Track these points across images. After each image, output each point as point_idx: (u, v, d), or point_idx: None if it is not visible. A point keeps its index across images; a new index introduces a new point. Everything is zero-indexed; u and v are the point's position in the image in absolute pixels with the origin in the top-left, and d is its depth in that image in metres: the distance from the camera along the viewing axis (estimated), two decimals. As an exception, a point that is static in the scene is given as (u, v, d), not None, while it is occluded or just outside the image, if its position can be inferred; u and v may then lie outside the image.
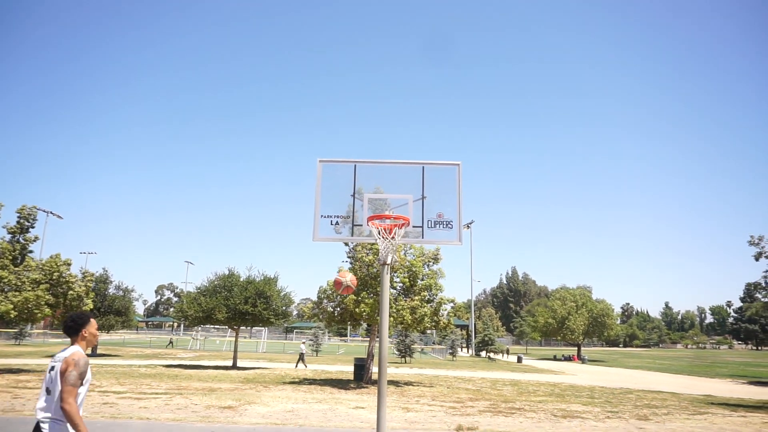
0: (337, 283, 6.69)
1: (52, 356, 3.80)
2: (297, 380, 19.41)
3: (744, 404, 16.54)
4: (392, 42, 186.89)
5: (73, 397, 3.65)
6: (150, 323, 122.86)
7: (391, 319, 17.98)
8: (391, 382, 19.82)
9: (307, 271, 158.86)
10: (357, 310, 17.70)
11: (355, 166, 6.98)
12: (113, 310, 35.71)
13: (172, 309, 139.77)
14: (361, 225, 6.97)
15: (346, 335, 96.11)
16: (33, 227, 21.98)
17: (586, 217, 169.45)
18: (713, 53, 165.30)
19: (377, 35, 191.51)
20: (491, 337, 51.79)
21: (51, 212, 56.94)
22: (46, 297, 18.94)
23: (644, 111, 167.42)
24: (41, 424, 3.72)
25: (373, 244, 18.35)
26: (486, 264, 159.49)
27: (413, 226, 6.90)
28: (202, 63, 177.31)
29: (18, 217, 21.52)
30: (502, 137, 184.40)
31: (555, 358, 53.13)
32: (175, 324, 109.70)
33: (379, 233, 6.68)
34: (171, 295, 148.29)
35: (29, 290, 18.83)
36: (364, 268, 18.46)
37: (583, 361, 47.90)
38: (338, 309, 19.30)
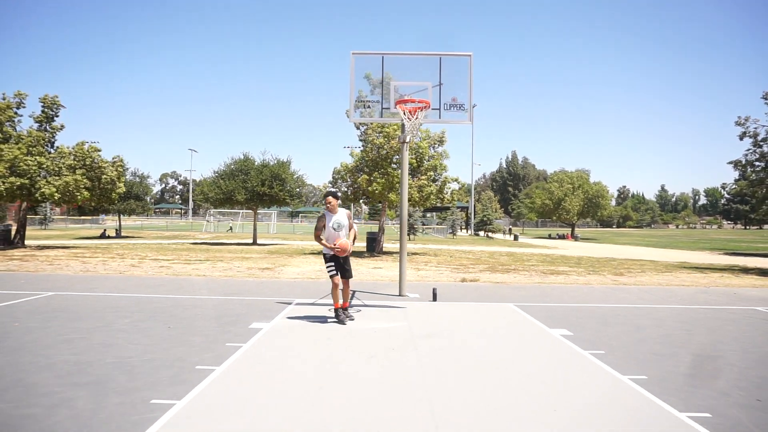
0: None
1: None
2: (316, 252, 21.66)
3: (712, 268, 18.82)
4: None
5: None
6: (157, 210, 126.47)
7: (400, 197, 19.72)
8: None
9: (314, 160, 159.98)
10: (369, 188, 19.39)
11: (383, 57, 8.15)
12: (132, 195, 37.67)
13: (177, 196, 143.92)
14: (389, 108, 8.29)
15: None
16: (57, 116, 23.07)
17: (585, 101, 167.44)
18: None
19: None
20: (489, 217, 54.52)
21: (61, 104, 57.08)
22: (84, 181, 20.57)
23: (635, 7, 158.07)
24: None
25: (383, 127, 19.64)
26: (486, 149, 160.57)
27: (432, 109, 8.23)
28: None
29: (42, 106, 22.54)
30: (505, 21, 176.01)
31: (549, 237, 56.35)
32: (183, 210, 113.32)
33: (404, 114, 8.02)
34: (175, 183, 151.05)
35: (67, 175, 20.40)
36: (375, 149, 19.87)
37: (576, 239, 51.01)
38: (351, 188, 21.00)
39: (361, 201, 22.16)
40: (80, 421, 3.47)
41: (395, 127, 19.19)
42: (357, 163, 20.67)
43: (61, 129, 23.01)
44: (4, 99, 21.60)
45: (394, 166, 20.12)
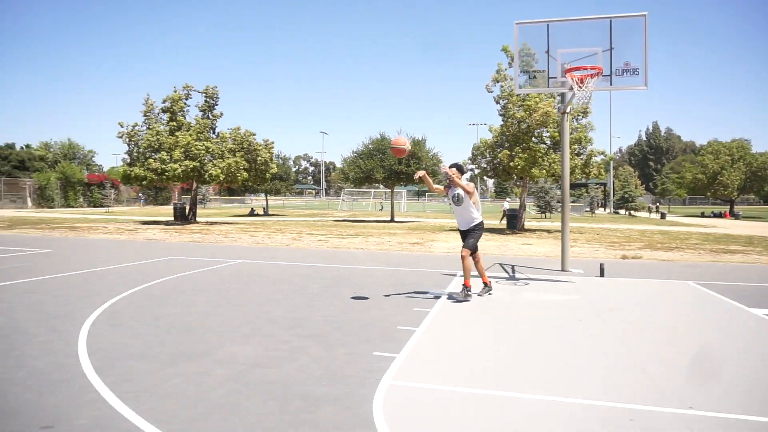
0: (399, 150, 6.43)
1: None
2: (456, 228, 21.82)
3: None
4: None
5: None
6: (291, 191, 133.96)
7: (544, 171, 19.13)
8: (542, 230, 21.52)
9: (445, 136, 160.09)
10: (511, 164, 19.03)
11: (547, 25, 7.93)
12: (277, 175, 40.61)
13: (310, 177, 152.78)
14: (556, 77, 8.06)
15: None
16: (217, 105, 25.48)
17: (737, 66, 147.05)
18: None
19: None
20: (631, 194, 50.78)
21: (198, 91, 62.99)
22: (243, 162, 22.65)
23: None
24: None
25: (524, 100, 19.06)
26: (622, 121, 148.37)
27: (603, 75, 7.87)
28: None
29: (204, 96, 25.04)
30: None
31: (703, 215, 51.10)
32: (314, 192, 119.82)
33: (574, 83, 7.75)
34: (307, 165, 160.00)
35: (229, 157, 22.59)
36: (515, 124, 19.40)
37: (736, 217, 45.74)
38: (491, 164, 20.77)
39: (492, 179, 21.80)
40: (322, 364, 3.93)
41: (537, 99, 18.56)
42: (497, 139, 20.36)
43: (220, 116, 25.42)
44: (175, 91, 24.33)
45: (535, 140, 19.52)
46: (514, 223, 21.09)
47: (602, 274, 8.75)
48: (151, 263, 9.71)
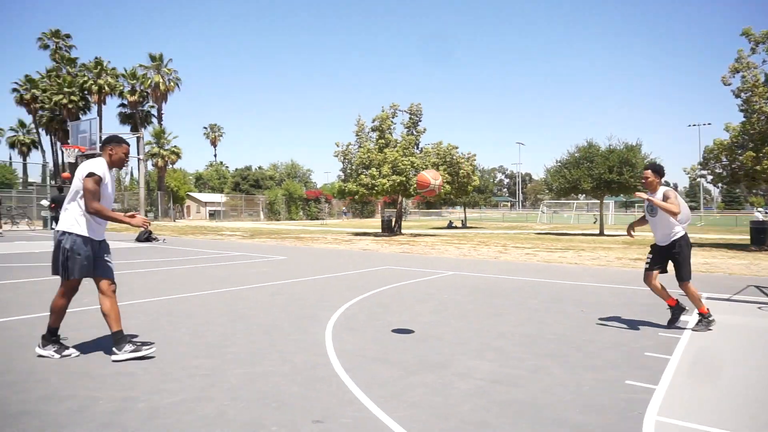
0: (422, 184, 5.32)
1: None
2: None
3: None
4: None
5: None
6: (486, 203, 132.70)
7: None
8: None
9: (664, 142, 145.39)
10: (758, 167, 16.08)
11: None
12: (477, 188, 40.63)
13: (505, 190, 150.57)
14: None
15: (698, 207, 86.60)
16: (420, 121, 26.48)
17: None
18: None
19: None
20: None
21: (403, 110, 66.37)
22: (446, 176, 23.11)
23: None
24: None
25: (777, 91, 16.01)
26: None
27: None
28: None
29: (409, 114, 26.23)
30: None
31: None
32: (509, 204, 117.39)
33: None
34: (502, 177, 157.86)
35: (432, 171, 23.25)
36: (763, 120, 16.39)
37: None
38: (729, 169, 17.85)
39: (741, 184, 18.60)
40: (570, 389, 3.60)
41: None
42: (736, 138, 17.41)
43: (423, 132, 26.37)
44: (383, 111, 25.96)
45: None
46: (762, 238, 17.73)
47: None
48: (370, 272, 10.32)
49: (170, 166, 59.04)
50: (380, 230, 26.21)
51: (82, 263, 4.03)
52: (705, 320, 5.54)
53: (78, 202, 4.04)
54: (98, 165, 4.08)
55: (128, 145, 4.36)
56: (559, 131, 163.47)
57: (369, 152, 24.17)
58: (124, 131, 56.71)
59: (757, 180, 17.40)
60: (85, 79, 50.78)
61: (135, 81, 52.15)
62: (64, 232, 4.03)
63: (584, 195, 27.84)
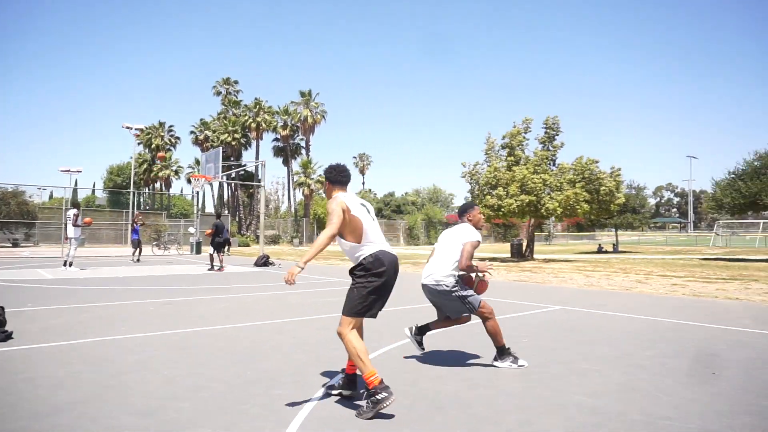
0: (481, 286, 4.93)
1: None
2: None
3: None
4: None
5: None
6: (652, 225, 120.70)
7: None
8: None
9: None
10: None
11: None
12: (629, 208, 36.32)
13: (674, 209, 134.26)
14: None
15: None
16: (558, 135, 24.10)
17: None
18: None
19: None
20: None
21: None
22: (583, 194, 20.51)
23: None
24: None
25: None
26: None
27: None
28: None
29: (544, 127, 24.04)
30: None
31: None
32: (679, 225, 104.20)
33: None
34: (671, 196, 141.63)
35: (568, 189, 20.81)
36: None
37: None
38: None
39: None
40: None
41: None
42: None
43: (561, 147, 23.94)
44: (514, 126, 24.12)
45: None
46: None
47: None
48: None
49: (321, 194, 62.71)
50: (509, 255, 24.14)
51: None
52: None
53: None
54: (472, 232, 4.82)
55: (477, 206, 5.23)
56: (743, 141, 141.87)
57: (496, 171, 22.49)
58: (277, 163, 61.52)
59: None
60: (246, 118, 55.99)
61: (287, 116, 56.29)
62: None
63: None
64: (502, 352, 4.71)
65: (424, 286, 4.77)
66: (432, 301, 4.86)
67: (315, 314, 7.68)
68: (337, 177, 3.77)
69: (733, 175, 22.18)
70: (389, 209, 68.69)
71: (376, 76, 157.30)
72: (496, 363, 4.70)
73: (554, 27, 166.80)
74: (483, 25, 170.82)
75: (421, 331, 4.91)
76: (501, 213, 21.73)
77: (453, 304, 4.69)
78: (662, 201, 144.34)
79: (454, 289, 4.63)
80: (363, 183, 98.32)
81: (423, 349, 4.86)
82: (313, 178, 52.82)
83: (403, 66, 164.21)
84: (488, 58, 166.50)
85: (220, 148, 28.51)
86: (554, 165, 23.31)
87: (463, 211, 5.03)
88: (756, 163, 21.29)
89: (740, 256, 25.41)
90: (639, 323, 6.95)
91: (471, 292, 4.69)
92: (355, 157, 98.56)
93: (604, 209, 21.90)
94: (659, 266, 18.08)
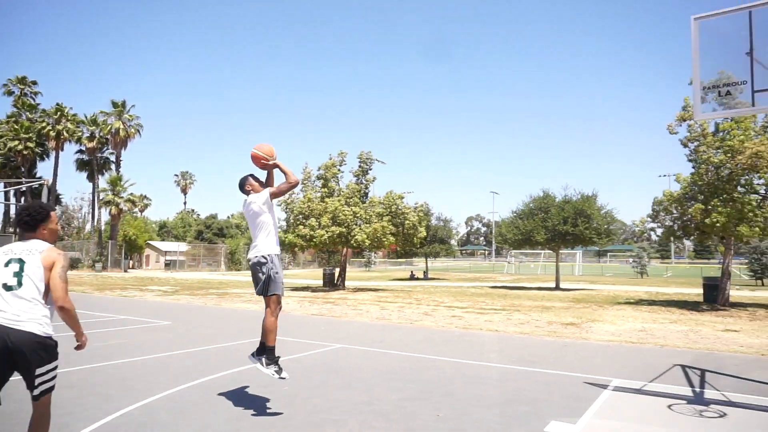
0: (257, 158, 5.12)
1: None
2: (632, 301, 17.91)
3: None
4: None
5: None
6: (463, 252, 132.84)
7: (756, 229, 14.73)
8: (756, 305, 16.55)
9: (631, 190, 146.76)
10: (707, 221, 14.98)
11: (750, 13, 5.22)
12: (437, 238, 39.43)
13: (482, 238, 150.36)
14: (765, 89, 5.26)
15: (669, 257, 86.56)
16: (370, 169, 25.31)
17: None
18: None
19: None
20: None
21: (377, 159, 65.77)
22: (389, 227, 21.74)
23: None
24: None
25: (722, 140, 15.19)
26: None
27: None
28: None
29: (359, 161, 25.07)
30: None
31: None
32: (486, 252, 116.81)
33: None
34: (479, 225, 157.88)
35: (376, 222, 21.89)
36: (712, 171, 15.44)
37: None
38: (679, 222, 16.79)
39: (691, 237, 17.55)
40: None
41: (742, 138, 14.54)
42: (686, 190, 16.41)
43: (373, 181, 25.15)
44: (330, 158, 24.75)
45: (742, 189, 15.28)
46: (714, 295, 16.49)
47: None
48: (245, 344, 8.61)
49: (136, 213, 57.21)
50: (322, 283, 24.50)
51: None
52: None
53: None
54: None
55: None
56: (537, 180, 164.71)
57: (310, 201, 22.77)
58: (81, 177, 54.90)
59: (706, 233, 16.35)
60: (45, 124, 49.22)
61: (95, 127, 50.74)
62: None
63: (540, 246, 26.67)
64: (271, 356, 4.76)
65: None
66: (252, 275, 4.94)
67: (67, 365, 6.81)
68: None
69: (514, 214, 25.48)
70: (211, 232, 65.38)
71: (201, 91, 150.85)
72: (259, 365, 4.77)
73: (368, 62, 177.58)
74: (297, 44, 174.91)
75: (260, 351, 4.86)
76: (313, 243, 21.99)
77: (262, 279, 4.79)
78: (472, 230, 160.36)
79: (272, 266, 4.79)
80: (185, 203, 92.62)
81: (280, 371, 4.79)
82: (122, 197, 48.06)
83: (235, 86, 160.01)
84: (309, 83, 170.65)
85: None
86: (366, 198, 24.39)
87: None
88: (531, 205, 24.77)
89: (522, 284, 29.12)
90: (405, 361, 7.42)
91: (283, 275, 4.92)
92: (176, 175, 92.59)
93: (408, 241, 23.46)
94: (452, 295, 19.82)
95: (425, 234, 23.86)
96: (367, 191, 25.02)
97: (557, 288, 24.81)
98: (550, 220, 23.54)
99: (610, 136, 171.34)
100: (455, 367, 7.03)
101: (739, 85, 5.20)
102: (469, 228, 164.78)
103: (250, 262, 4.97)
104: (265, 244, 4.90)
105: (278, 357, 4.88)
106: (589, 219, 23.32)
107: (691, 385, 6.22)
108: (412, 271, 41.30)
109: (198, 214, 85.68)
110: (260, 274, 4.81)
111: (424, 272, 39.76)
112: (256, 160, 5.10)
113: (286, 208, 24.04)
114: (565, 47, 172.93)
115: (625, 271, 46.65)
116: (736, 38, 5.23)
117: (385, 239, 21.70)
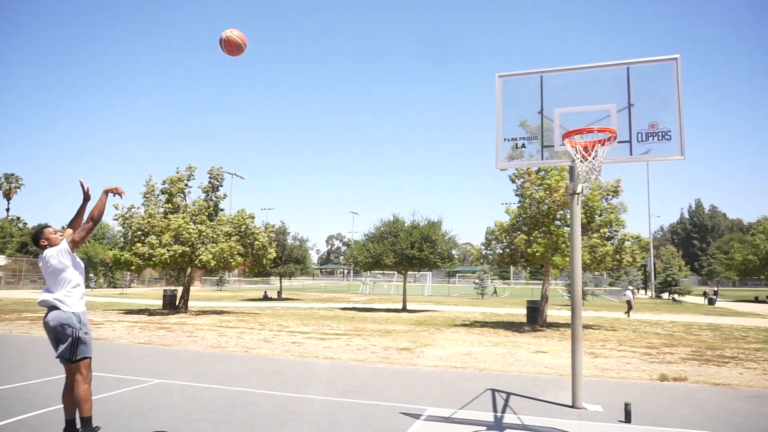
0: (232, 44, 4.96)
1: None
2: (468, 323, 19.19)
3: None
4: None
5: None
6: (323, 270, 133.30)
7: (568, 259, 16.66)
8: (568, 325, 18.66)
9: (472, 214, 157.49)
10: (529, 250, 16.67)
11: (541, 77, 5.93)
12: (292, 258, 38.93)
13: (342, 257, 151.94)
14: (553, 146, 5.95)
15: (509, 278, 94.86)
16: (221, 186, 24.32)
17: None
18: None
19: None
20: (675, 277, 46.70)
21: (235, 174, 63.57)
22: (237, 247, 20.95)
23: None
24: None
25: (543, 178, 17.03)
26: (662, 198, 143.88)
27: (618, 142, 5.72)
28: None
29: (209, 177, 23.94)
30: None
31: (757, 300, 46.42)
32: (345, 271, 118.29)
33: (576, 153, 5.63)
34: (340, 245, 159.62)
35: (223, 242, 20.97)
36: (534, 205, 17.25)
37: (795, 303, 41.05)
38: (507, 250, 18.44)
39: (518, 264, 19.37)
40: None
41: (558, 177, 16.46)
42: (514, 221, 18.12)
43: (223, 198, 24.15)
44: (177, 172, 23.29)
45: (558, 222, 17.23)
46: (534, 317, 18.34)
47: (628, 419, 6.16)
48: (51, 382, 7.57)
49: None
50: (161, 306, 22.78)
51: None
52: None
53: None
54: None
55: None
56: (389, 202, 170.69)
57: (151, 217, 21.14)
58: None
59: (530, 261, 18.13)
60: None
61: None
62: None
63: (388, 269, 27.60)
64: (90, 429, 4.44)
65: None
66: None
67: None
68: None
69: (366, 237, 26.13)
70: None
71: (30, 84, 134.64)
72: None
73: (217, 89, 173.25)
74: (150, 64, 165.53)
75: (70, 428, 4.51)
76: (152, 263, 20.39)
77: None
78: (333, 249, 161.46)
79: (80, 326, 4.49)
80: (8, 210, 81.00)
81: None
82: None
83: (62, 86, 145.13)
84: (153, 97, 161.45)
85: None
86: (215, 215, 23.31)
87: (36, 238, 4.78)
88: (382, 229, 25.62)
89: (373, 305, 29.80)
90: (225, 397, 7.05)
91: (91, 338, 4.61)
92: None
93: (258, 262, 22.82)
94: (299, 318, 19.58)
95: (275, 255, 23.37)
96: (216, 209, 23.94)
97: (404, 309, 25.78)
98: (398, 244, 24.50)
99: (464, 162, 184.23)
100: (276, 402, 6.85)
101: (532, 139, 5.83)
102: (329, 247, 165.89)
103: (50, 323, 4.40)
104: (71, 302, 4.46)
105: (97, 428, 4.46)
106: (434, 244, 24.69)
107: (495, 410, 6.72)
108: (265, 292, 40.24)
109: (25, 223, 75.50)
110: (65, 337, 4.34)
111: (278, 292, 38.98)
112: (232, 45, 4.90)
113: (124, 223, 22.06)
114: (366, 74, 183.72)
115: (469, 292, 50.07)
116: (533, 97, 5.88)
117: (232, 260, 20.86)
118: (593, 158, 5.54)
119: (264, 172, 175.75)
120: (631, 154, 5.77)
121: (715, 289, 48.37)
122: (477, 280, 44.12)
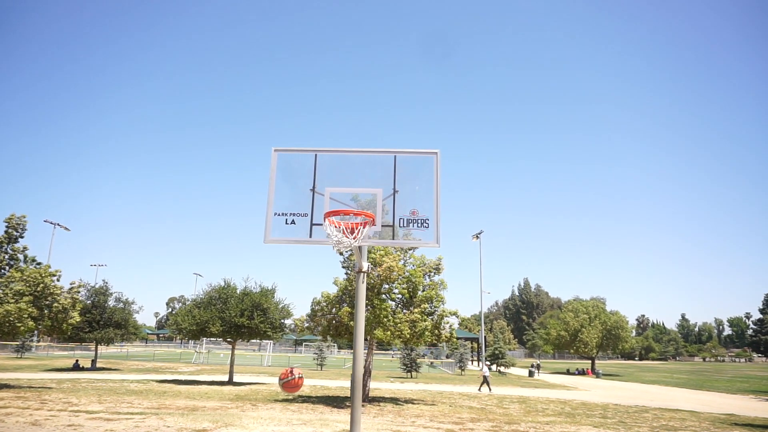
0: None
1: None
2: (290, 398, 18.37)
3: (771, 426, 15.21)
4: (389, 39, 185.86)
5: None
6: (161, 335, 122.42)
7: (389, 333, 16.95)
8: (391, 400, 18.71)
9: (308, 281, 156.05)
10: (351, 323, 16.66)
11: (315, 156, 6.01)
12: (112, 322, 34.89)
13: (167, 321, 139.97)
14: (321, 224, 5.97)
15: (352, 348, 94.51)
16: (22, 237, 21.30)
17: (598, 229, 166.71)
18: (715, 58, 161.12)
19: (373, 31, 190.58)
20: (502, 350, 50.25)
21: (58, 224, 56.49)
22: (29, 309, 18.14)
23: (648, 116, 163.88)
24: None
25: (369, 251, 17.41)
26: (498, 275, 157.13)
27: (382, 225, 5.91)
28: (205, 65, 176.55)
29: (6, 226, 20.87)
30: (509, 143, 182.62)
31: (568, 372, 51.53)
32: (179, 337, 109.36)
33: (335, 232, 5.68)
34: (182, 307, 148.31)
35: (11, 302, 18.05)
36: (361, 278, 17.52)
37: (597, 375, 46.25)
38: (333, 322, 18.28)
39: (344, 336, 19.25)
40: None
41: (382, 252, 16.98)
42: (340, 293, 18.15)
43: (24, 251, 21.10)
44: (-35, 219, 19.96)
45: (383, 296, 17.60)
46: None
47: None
48: None
49: None
50: None
51: None
52: None
53: None
54: None
55: None
56: (235, 262, 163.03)
57: None
58: None
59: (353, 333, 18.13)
60: None
61: None
62: None
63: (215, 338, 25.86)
64: None
65: None
66: None
67: None
68: None
69: (193, 302, 24.36)
70: None
71: None
72: None
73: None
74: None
75: None
76: None
77: None
78: (173, 312, 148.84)
79: None
80: None
81: None
82: None
83: None
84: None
85: None
86: (7, 270, 20.14)
87: None
88: (211, 294, 24.11)
89: (199, 377, 27.45)
90: None
91: None
92: None
93: (57, 327, 19.92)
94: (100, 393, 17.19)
95: (78, 319, 20.57)
96: (12, 263, 20.72)
97: (230, 382, 24.08)
98: (227, 312, 23.14)
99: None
100: None
101: (302, 216, 5.82)
102: (170, 309, 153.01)
103: None
104: None
105: None
106: (266, 312, 23.74)
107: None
108: (77, 360, 35.26)
109: None
110: None
111: (92, 361, 34.40)
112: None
113: None
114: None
115: (311, 363, 48.75)
116: (307, 174, 5.92)
117: (21, 324, 17.92)
118: (354, 239, 5.64)
119: (97, 226, 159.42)
120: (393, 238, 6.02)
121: (538, 362, 52.94)
122: (317, 351, 43.20)
